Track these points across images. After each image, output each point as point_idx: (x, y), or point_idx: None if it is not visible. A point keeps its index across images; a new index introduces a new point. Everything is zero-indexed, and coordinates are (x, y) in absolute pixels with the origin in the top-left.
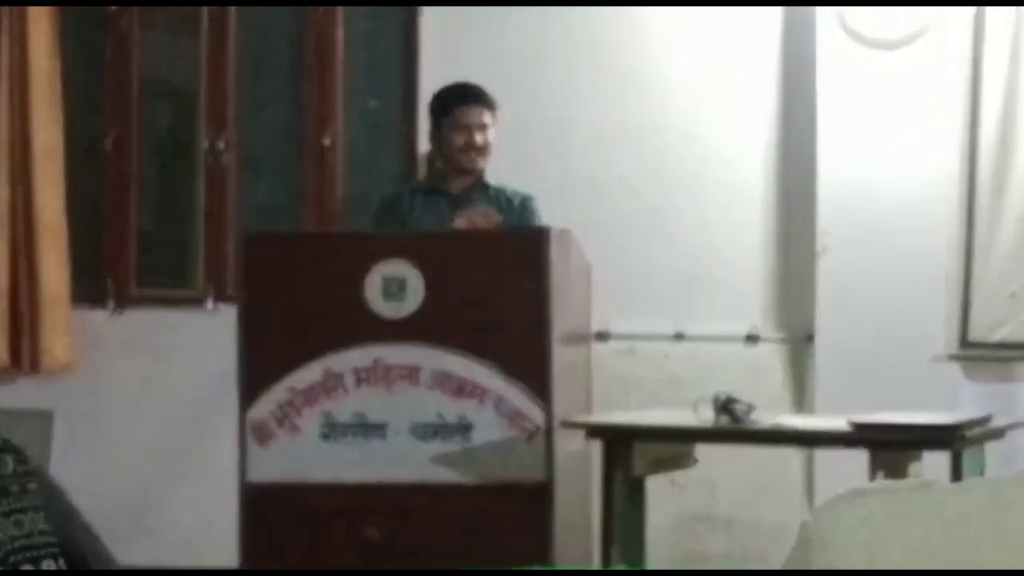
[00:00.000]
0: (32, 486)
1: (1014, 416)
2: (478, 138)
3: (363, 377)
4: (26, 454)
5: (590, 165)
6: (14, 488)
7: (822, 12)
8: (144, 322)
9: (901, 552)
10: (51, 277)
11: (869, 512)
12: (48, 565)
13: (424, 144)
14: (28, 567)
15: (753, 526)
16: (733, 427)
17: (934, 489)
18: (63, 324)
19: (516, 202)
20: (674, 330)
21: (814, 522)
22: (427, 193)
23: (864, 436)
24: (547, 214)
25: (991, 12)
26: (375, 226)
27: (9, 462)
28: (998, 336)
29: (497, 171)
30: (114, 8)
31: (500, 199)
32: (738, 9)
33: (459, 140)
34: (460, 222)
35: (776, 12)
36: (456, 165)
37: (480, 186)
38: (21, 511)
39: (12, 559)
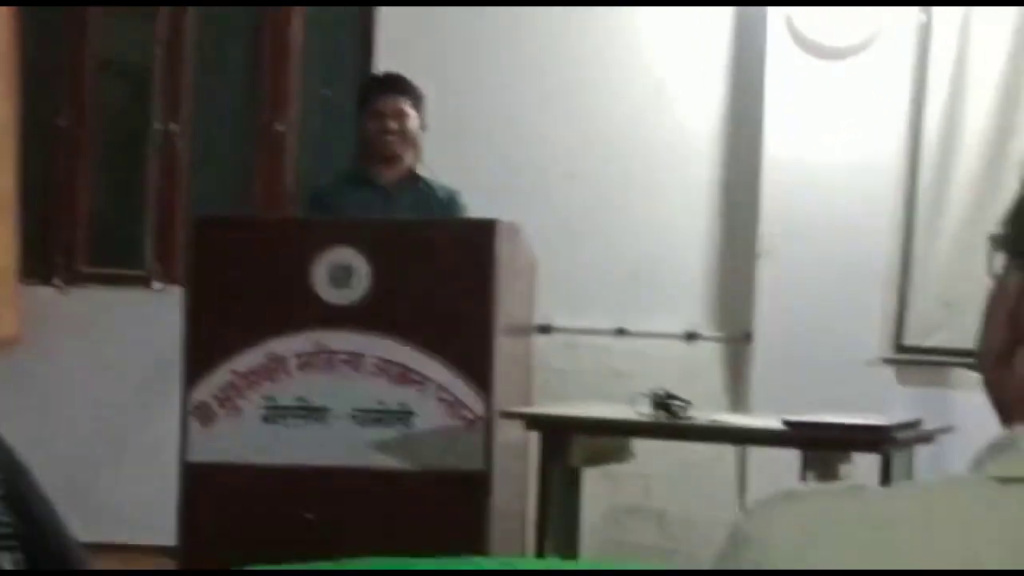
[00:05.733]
0: None
1: (944, 420)
2: (391, 124)
3: (306, 361)
4: None
5: (537, 161)
6: None
7: (772, 18)
8: (91, 300)
9: (830, 554)
10: (0, 252)
11: (799, 513)
12: (3, 560)
13: None
14: None
15: (685, 520)
16: (669, 422)
17: (865, 492)
18: (10, 299)
19: (443, 196)
20: (615, 325)
21: (746, 522)
22: (356, 184)
23: (796, 435)
24: (493, 208)
25: (937, 24)
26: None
27: None
28: (932, 341)
29: (444, 165)
30: None
31: (427, 191)
32: (688, 11)
33: (372, 127)
34: None
35: (727, 17)
36: (372, 151)
37: (410, 177)
38: None
39: None
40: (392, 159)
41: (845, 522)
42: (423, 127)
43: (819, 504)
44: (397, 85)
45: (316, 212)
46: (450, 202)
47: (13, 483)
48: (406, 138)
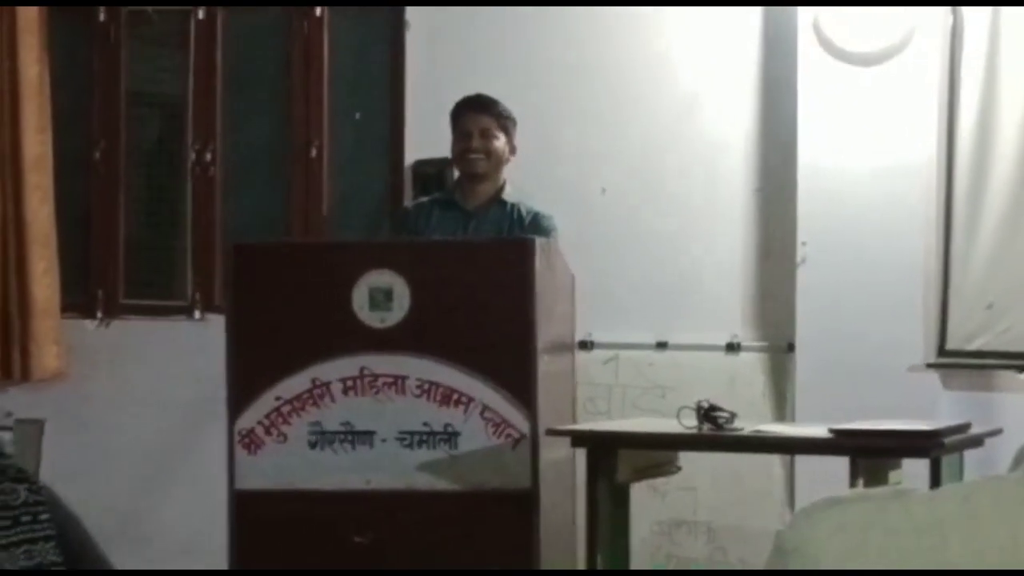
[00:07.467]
0: (44, 516)
1: (991, 424)
2: (474, 142)
3: (350, 386)
4: (40, 483)
5: (574, 177)
6: (25, 518)
7: (802, 26)
8: (132, 331)
9: (875, 560)
10: (41, 287)
11: (844, 521)
12: None
13: (410, 155)
14: None
15: (734, 532)
16: (716, 434)
17: (908, 496)
18: (53, 333)
19: (528, 218)
20: (656, 339)
21: (789, 531)
22: (445, 208)
23: (844, 443)
24: None
25: (967, 25)
26: (391, 234)
27: (21, 492)
28: (975, 345)
29: None
30: (102, 19)
31: (514, 215)
32: (719, 25)
33: (458, 146)
34: None
35: (755, 26)
36: (459, 170)
37: (497, 202)
38: (32, 541)
39: None
40: (476, 178)
41: (889, 528)
42: (512, 151)
43: (862, 511)
44: (483, 105)
45: (398, 230)
46: (532, 224)
47: (63, 528)
48: (491, 156)
